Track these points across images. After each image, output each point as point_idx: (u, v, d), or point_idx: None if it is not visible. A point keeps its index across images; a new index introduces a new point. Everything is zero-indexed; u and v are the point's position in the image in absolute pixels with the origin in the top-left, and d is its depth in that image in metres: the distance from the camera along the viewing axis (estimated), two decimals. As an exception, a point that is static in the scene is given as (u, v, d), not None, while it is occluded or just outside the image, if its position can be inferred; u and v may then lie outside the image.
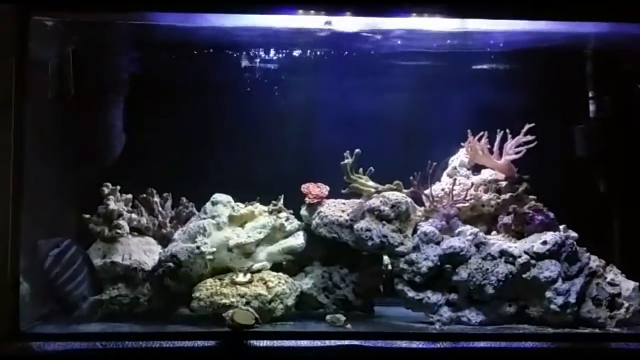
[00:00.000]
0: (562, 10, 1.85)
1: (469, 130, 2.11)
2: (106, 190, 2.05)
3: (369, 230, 1.96)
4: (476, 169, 2.18)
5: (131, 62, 2.29)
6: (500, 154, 2.10)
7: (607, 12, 1.86)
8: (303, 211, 2.10)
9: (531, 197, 2.08)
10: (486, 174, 2.16)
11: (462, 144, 2.16)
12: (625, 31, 2.01)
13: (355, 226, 1.98)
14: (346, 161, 2.02)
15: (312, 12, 1.89)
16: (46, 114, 2.00)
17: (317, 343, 1.76)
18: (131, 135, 2.27)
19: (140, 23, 2.03)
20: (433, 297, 1.95)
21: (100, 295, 1.98)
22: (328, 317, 1.95)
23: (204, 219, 2.05)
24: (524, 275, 1.93)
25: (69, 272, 1.96)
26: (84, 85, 2.15)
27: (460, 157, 2.19)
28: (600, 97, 2.29)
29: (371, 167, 2.03)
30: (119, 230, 2.03)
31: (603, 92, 2.29)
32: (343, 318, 1.93)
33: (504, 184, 2.12)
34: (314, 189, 2.08)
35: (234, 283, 1.94)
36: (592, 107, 2.30)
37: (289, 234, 2.09)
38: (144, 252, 2.05)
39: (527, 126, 2.05)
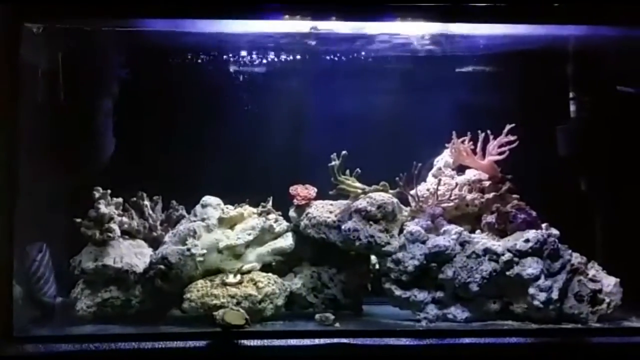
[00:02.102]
0: (541, 13, 1.88)
1: (453, 132, 2.13)
2: (97, 194, 2.05)
3: (356, 230, 1.98)
4: (461, 169, 2.20)
5: (121, 68, 2.30)
6: (484, 155, 2.13)
7: (586, 15, 1.89)
8: (291, 212, 2.12)
9: (514, 196, 2.10)
10: (470, 174, 2.18)
11: (447, 145, 2.17)
12: (605, 33, 2.05)
13: (342, 227, 2.00)
14: (333, 163, 2.03)
15: (299, 17, 1.92)
16: (37, 119, 2.01)
17: (307, 342, 1.78)
18: (121, 140, 2.27)
19: (129, 29, 2.05)
20: (420, 295, 1.97)
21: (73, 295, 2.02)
22: (317, 316, 1.96)
23: (194, 221, 2.06)
24: (507, 273, 1.95)
25: (47, 274, 2.01)
26: (74, 91, 2.17)
27: (445, 158, 2.20)
28: (581, 98, 2.32)
29: (358, 169, 2.04)
30: (110, 234, 2.03)
31: (583, 93, 2.32)
32: (332, 317, 1.95)
33: (487, 183, 2.14)
34: (302, 191, 2.10)
35: (225, 284, 1.95)
36: (572, 108, 2.33)
37: (278, 235, 2.10)
38: (135, 255, 2.06)
39: (507, 127, 2.07)
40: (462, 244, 2.00)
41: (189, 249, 1.97)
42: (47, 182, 2.06)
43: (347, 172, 2.05)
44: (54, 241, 2.08)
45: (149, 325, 1.91)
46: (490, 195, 2.12)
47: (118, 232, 2.06)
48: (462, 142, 2.14)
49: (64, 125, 2.15)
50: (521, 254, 1.96)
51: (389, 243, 1.99)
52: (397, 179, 2.07)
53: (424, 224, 2.03)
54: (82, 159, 2.23)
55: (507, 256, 1.95)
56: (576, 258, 2.02)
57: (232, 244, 2.03)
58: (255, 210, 2.13)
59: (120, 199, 2.10)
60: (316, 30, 1.99)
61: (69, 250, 2.05)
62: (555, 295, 1.93)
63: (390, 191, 2.08)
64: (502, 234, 2.06)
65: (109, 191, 2.07)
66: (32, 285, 1.97)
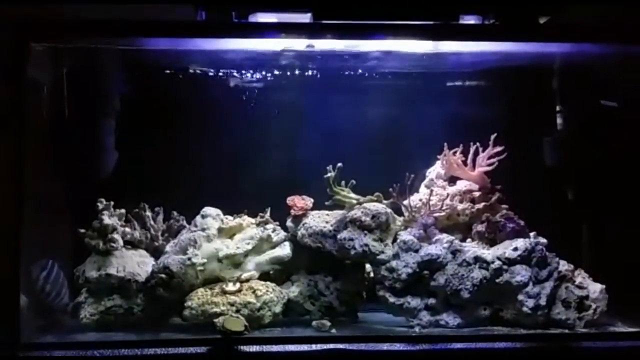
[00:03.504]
0: (527, 32, 1.94)
1: (445, 144, 2.17)
2: (100, 206, 2.07)
3: (351, 239, 2.01)
4: (452, 180, 2.23)
5: (123, 84, 2.33)
6: (474, 166, 2.17)
7: (570, 33, 1.95)
8: (289, 222, 2.15)
9: (503, 206, 2.13)
10: (461, 185, 2.21)
11: (438, 157, 2.21)
12: (588, 50, 2.09)
13: (338, 236, 2.03)
14: (329, 174, 2.06)
15: (295, 35, 1.96)
16: (43, 134, 2.05)
17: (304, 347, 1.81)
18: (124, 154, 2.30)
19: (131, 48, 2.08)
20: (413, 302, 2.00)
21: (77, 298, 2.05)
22: (314, 322, 1.99)
23: (195, 231, 2.09)
24: (497, 280, 1.97)
25: (55, 287, 2.02)
26: (79, 106, 2.19)
27: (436, 169, 2.23)
28: (566, 111, 2.35)
29: (353, 180, 2.07)
30: (113, 244, 2.05)
31: (568, 107, 2.35)
32: (328, 323, 1.98)
33: (477, 194, 2.18)
34: (299, 202, 2.13)
35: (224, 292, 1.98)
36: (558, 121, 2.36)
37: (276, 244, 2.13)
38: (137, 264, 2.08)
39: (492, 137, 2.11)
40: (454, 252, 2.03)
41: (189, 258, 2.00)
42: (52, 194, 2.09)
43: (342, 183, 2.08)
44: (60, 251, 2.11)
45: (151, 332, 1.94)
46: (481, 205, 2.15)
47: (121, 242, 2.08)
48: (453, 154, 2.18)
49: (68, 140, 2.18)
50: (510, 262, 1.99)
51: (383, 252, 2.03)
52: (390, 189, 2.10)
53: (417, 233, 2.06)
54: (86, 172, 2.26)
55: (497, 264, 1.98)
56: (563, 266, 2.04)
57: (232, 253, 2.06)
58: (253, 220, 2.16)
59: (123, 210, 2.12)
60: (312, 47, 2.03)
61: (75, 260, 2.08)
62: (543, 301, 1.95)
63: (384, 201, 2.11)
64: (491, 242, 2.09)
65: (112, 203, 2.10)
66: (43, 300, 2.00)
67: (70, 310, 2.05)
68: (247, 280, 2.05)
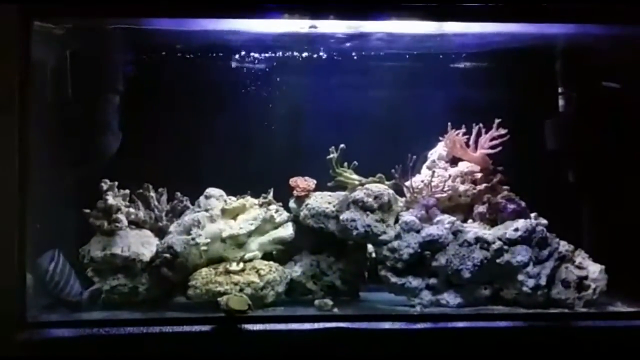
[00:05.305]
0: (531, 12, 1.93)
1: (449, 124, 2.17)
2: (105, 186, 2.08)
3: (353, 220, 2.02)
4: (454, 161, 2.24)
5: (127, 65, 2.33)
6: (476, 148, 2.17)
7: (574, 14, 1.94)
8: (291, 203, 2.16)
9: (504, 187, 2.14)
10: (463, 167, 2.22)
11: (441, 138, 2.22)
12: (591, 32, 2.09)
13: (340, 217, 2.04)
14: (332, 156, 2.07)
15: (298, 16, 1.96)
16: (46, 115, 2.05)
17: (307, 326, 1.83)
18: (128, 135, 2.30)
19: (136, 28, 2.08)
20: (414, 281, 2.01)
21: (94, 285, 2.05)
22: (316, 302, 2.00)
23: (198, 212, 2.10)
24: (497, 260, 1.99)
25: (65, 277, 2.03)
26: (82, 87, 2.20)
27: (438, 150, 2.24)
28: (567, 93, 2.36)
29: (355, 161, 2.08)
30: (117, 224, 2.06)
31: (569, 89, 2.36)
32: (330, 303, 1.99)
33: (479, 175, 2.19)
34: (301, 183, 2.14)
35: (228, 272, 1.99)
36: (560, 103, 2.37)
37: (279, 225, 2.14)
38: (141, 244, 2.08)
39: (496, 121, 2.12)
40: (455, 233, 2.05)
41: (193, 239, 2.02)
42: (57, 176, 2.11)
43: (345, 164, 2.09)
44: (65, 235, 2.13)
45: (155, 311, 1.95)
46: (482, 186, 2.17)
47: (125, 222, 2.09)
48: (456, 135, 2.18)
49: (73, 121, 2.19)
50: (511, 242, 2.00)
51: (385, 232, 2.04)
52: (392, 171, 2.11)
53: (419, 214, 2.08)
54: (90, 153, 2.27)
55: (498, 244, 2.00)
56: (563, 246, 2.06)
57: (235, 233, 2.07)
58: (256, 201, 2.17)
59: (127, 191, 2.13)
60: (315, 29, 2.03)
61: (80, 241, 2.09)
62: (543, 281, 1.97)
63: (386, 183, 2.12)
64: (492, 223, 2.11)
65: (116, 183, 2.10)
66: (52, 291, 2.01)
67: (87, 298, 2.06)
68: (251, 260, 2.06)
